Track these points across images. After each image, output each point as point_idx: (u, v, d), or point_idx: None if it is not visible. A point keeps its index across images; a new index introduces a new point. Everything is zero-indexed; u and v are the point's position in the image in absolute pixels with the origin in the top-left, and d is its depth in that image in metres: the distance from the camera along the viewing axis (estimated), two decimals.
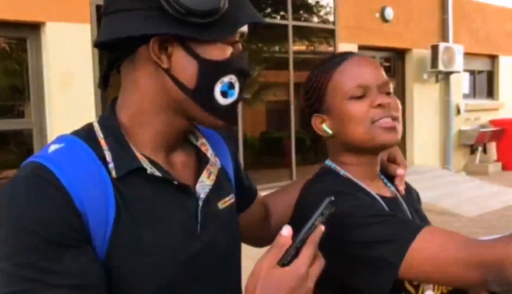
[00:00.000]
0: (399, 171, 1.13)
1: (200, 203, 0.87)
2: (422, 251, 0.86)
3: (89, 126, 0.86)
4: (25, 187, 0.73)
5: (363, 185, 1.05)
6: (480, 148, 9.65)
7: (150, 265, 0.79)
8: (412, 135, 8.50)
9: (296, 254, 0.76)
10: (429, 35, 8.70)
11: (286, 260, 0.76)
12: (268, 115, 7.57)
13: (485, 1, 9.91)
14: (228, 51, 0.84)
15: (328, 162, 1.11)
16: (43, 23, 4.70)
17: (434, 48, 8.38)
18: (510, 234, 0.82)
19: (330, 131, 1.06)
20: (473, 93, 10.25)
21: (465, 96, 9.83)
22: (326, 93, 1.05)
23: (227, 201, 0.95)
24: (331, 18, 7.44)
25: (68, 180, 0.74)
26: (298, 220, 0.94)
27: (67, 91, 4.78)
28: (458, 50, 8.66)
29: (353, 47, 7.11)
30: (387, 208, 1.01)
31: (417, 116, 8.53)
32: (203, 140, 0.96)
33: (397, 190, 1.12)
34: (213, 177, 0.91)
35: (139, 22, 0.79)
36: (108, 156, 0.80)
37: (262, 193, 1.19)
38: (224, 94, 0.85)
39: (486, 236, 0.86)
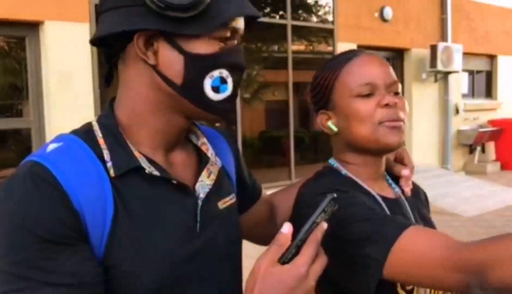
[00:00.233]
0: (404, 172, 1.10)
1: (200, 202, 0.87)
2: (404, 250, 0.84)
3: (88, 125, 0.86)
4: (21, 185, 0.73)
5: (365, 185, 1.03)
6: (478, 148, 9.66)
7: (148, 264, 0.79)
8: (411, 134, 8.50)
9: (297, 252, 0.74)
10: (428, 34, 8.70)
11: (286, 258, 0.74)
12: (267, 115, 7.57)
13: (484, 1, 9.91)
14: (217, 45, 0.82)
15: (331, 161, 1.09)
16: (42, 22, 4.69)
17: (433, 48, 8.37)
18: (495, 236, 0.78)
19: (335, 129, 1.04)
20: (472, 93, 10.25)
21: (464, 96, 9.83)
22: (333, 90, 1.04)
23: (228, 201, 0.94)
24: (330, 17, 7.44)
25: (66, 179, 0.74)
26: (295, 219, 0.93)
27: (66, 90, 4.78)
28: (457, 49, 8.66)
29: (352, 47, 7.04)
30: (387, 210, 1.00)
31: (416, 116, 8.53)
32: (204, 140, 0.95)
33: (403, 191, 1.10)
34: (213, 176, 0.91)
35: (124, 18, 0.79)
36: (107, 155, 0.80)
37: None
38: (216, 89, 0.83)
39: (485, 236, 0.83)
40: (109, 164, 0.79)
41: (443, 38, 8.92)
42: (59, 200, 0.73)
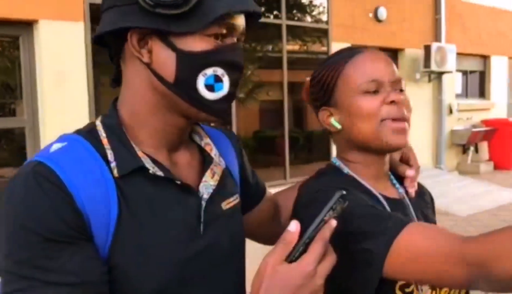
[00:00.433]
0: (409, 172, 1.08)
1: (203, 203, 0.86)
2: (406, 246, 0.82)
3: (92, 125, 0.85)
4: (24, 185, 0.73)
5: (367, 185, 1.01)
6: (472, 148, 9.70)
7: (152, 264, 0.78)
8: None
9: (304, 250, 0.72)
10: (422, 35, 8.73)
11: (294, 257, 0.72)
12: (261, 114, 7.56)
13: (477, 1, 9.96)
14: (212, 42, 0.80)
15: (334, 159, 1.07)
16: (36, 21, 4.66)
17: (427, 48, 8.40)
18: (498, 229, 0.77)
19: (339, 126, 1.01)
20: (466, 93, 10.30)
21: (458, 96, 9.87)
22: (336, 86, 1.01)
23: (231, 201, 0.94)
24: (324, 17, 7.45)
25: (69, 179, 0.74)
26: (295, 217, 0.93)
27: (60, 90, 4.74)
28: (451, 50, 8.70)
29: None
30: (389, 209, 0.98)
31: None
32: (208, 140, 0.95)
33: (407, 192, 1.08)
34: (217, 177, 0.91)
35: (118, 17, 0.80)
36: (110, 155, 0.80)
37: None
38: (210, 88, 0.81)
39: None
40: (113, 164, 0.79)
41: (437, 38, 8.95)
42: (62, 200, 0.73)
